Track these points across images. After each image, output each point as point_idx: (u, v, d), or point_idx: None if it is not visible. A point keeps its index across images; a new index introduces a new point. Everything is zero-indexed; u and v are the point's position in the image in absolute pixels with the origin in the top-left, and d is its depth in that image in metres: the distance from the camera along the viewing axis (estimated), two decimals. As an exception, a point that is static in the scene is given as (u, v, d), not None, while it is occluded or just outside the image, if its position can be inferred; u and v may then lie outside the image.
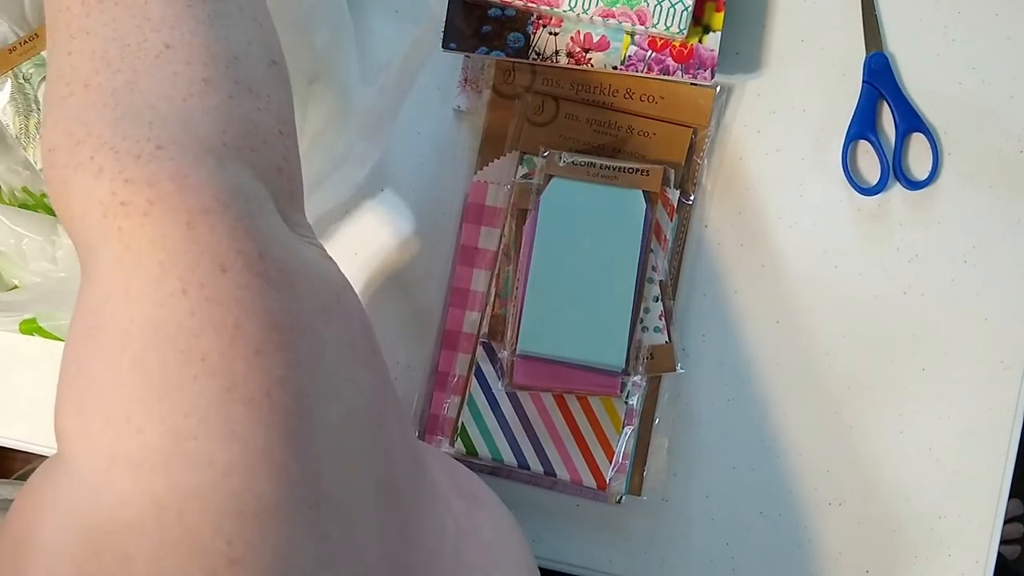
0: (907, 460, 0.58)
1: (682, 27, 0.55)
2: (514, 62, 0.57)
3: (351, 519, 0.28)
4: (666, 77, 0.57)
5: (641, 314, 0.56)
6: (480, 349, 0.56)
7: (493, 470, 0.57)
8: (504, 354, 0.56)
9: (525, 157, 0.57)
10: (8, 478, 0.69)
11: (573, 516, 0.58)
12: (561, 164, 0.55)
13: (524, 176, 0.57)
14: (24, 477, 0.69)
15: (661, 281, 0.56)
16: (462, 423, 0.56)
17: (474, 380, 0.56)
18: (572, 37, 0.57)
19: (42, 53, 0.56)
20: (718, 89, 0.58)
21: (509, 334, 0.55)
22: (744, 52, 0.59)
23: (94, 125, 0.29)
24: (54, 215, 0.58)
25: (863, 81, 0.58)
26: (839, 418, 0.58)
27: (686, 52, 0.56)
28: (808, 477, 0.58)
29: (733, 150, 0.59)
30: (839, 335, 0.58)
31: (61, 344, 0.57)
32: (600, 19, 0.55)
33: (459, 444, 0.56)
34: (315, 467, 0.27)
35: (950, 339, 0.58)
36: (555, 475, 0.55)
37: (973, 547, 0.58)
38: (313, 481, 0.27)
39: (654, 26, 0.55)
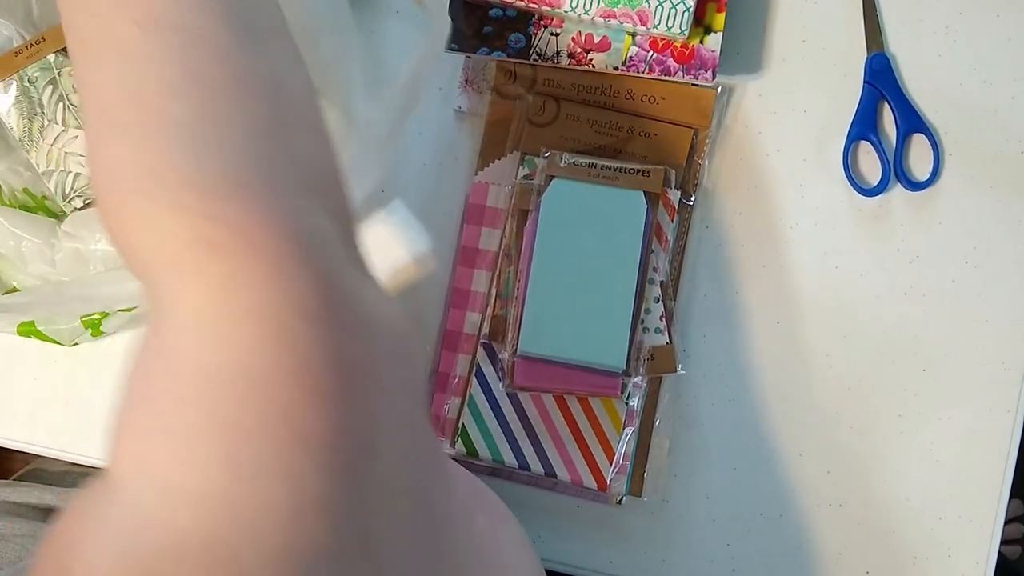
0: (907, 461, 0.58)
1: (683, 28, 0.55)
2: (515, 63, 0.57)
3: (393, 566, 0.28)
4: (667, 78, 0.57)
5: (642, 315, 0.56)
6: (481, 350, 0.56)
7: (494, 471, 0.57)
8: (505, 355, 0.56)
9: (526, 158, 0.57)
10: (8, 478, 0.69)
11: (574, 517, 0.58)
12: (562, 165, 0.55)
13: (525, 177, 0.57)
14: (24, 478, 0.69)
15: (662, 282, 0.56)
16: (463, 424, 0.56)
17: (475, 381, 0.56)
18: (573, 38, 0.57)
19: (48, 57, 0.56)
20: (719, 90, 0.58)
21: (510, 335, 0.55)
22: (745, 53, 0.59)
23: (169, 155, 0.28)
24: (54, 217, 0.57)
25: (864, 82, 0.58)
26: (840, 419, 0.58)
27: (687, 53, 0.56)
28: (808, 478, 0.58)
29: (734, 151, 0.59)
30: (840, 336, 0.58)
31: (58, 347, 0.58)
32: (601, 20, 0.55)
33: (460, 445, 0.56)
34: (367, 518, 0.27)
35: (951, 340, 0.58)
36: (556, 476, 0.55)
37: (973, 548, 0.58)
38: (364, 533, 0.27)
39: (655, 27, 0.55)
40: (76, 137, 0.57)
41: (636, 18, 0.55)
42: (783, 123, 0.59)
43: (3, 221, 0.54)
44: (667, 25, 0.55)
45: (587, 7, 0.55)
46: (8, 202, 0.57)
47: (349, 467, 0.26)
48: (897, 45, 0.59)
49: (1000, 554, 0.58)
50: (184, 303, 0.27)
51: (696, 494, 0.58)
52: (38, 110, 0.57)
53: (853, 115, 0.58)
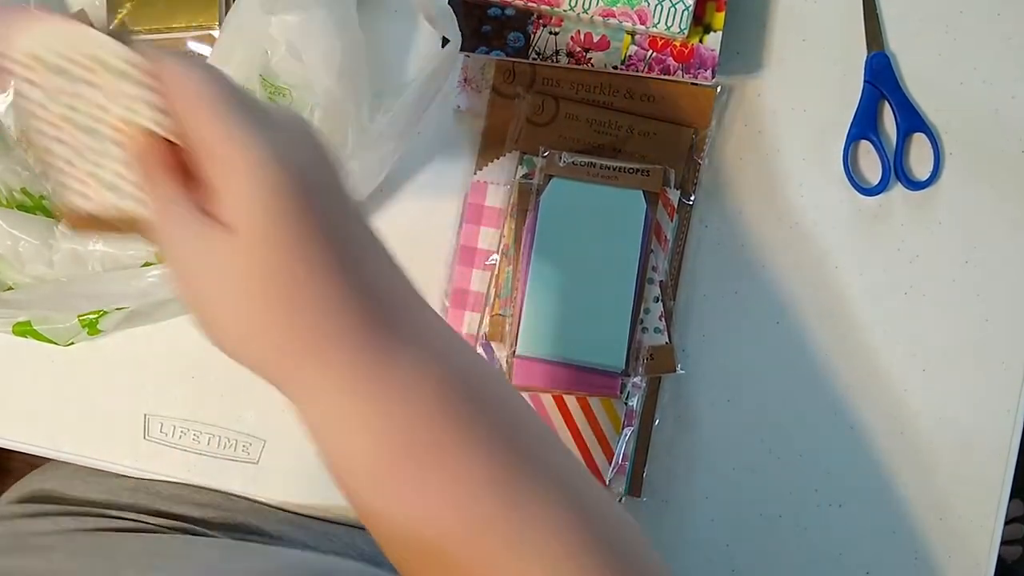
0: (907, 460, 0.58)
1: (683, 27, 0.55)
2: (514, 62, 0.57)
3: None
4: (667, 77, 0.56)
5: (641, 315, 0.56)
6: (480, 350, 0.56)
7: (493, 471, 0.57)
8: (503, 355, 0.56)
9: (525, 157, 0.57)
10: (7, 478, 0.69)
11: (573, 517, 0.58)
12: (561, 164, 0.55)
13: (524, 176, 0.56)
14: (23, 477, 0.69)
15: (661, 281, 0.56)
16: (462, 424, 0.56)
17: (474, 381, 0.56)
18: (572, 37, 0.57)
19: None
20: (719, 89, 0.58)
21: (508, 335, 0.55)
22: (745, 52, 0.59)
23: None
24: (51, 217, 0.57)
25: (864, 81, 0.58)
26: (839, 418, 0.58)
27: (687, 52, 0.56)
28: (808, 478, 0.58)
29: (734, 150, 0.59)
30: (840, 336, 0.58)
31: (55, 347, 0.58)
32: (600, 19, 0.55)
33: (459, 445, 0.56)
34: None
35: (951, 340, 0.58)
36: (555, 476, 0.55)
37: (973, 548, 0.57)
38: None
39: (655, 26, 0.55)
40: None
41: (635, 17, 0.55)
42: (783, 123, 0.59)
43: (0, 222, 0.54)
44: (666, 24, 0.55)
45: (586, 6, 0.55)
46: (6, 202, 0.56)
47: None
48: (897, 44, 0.59)
49: (1000, 555, 0.58)
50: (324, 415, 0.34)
51: (695, 494, 0.58)
52: (36, 109, 0.56)
53: (853, 114, 0.58)
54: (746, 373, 0.58)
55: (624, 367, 0.54)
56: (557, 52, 0.57)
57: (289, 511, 0.59)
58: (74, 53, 0.39)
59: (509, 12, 0.57)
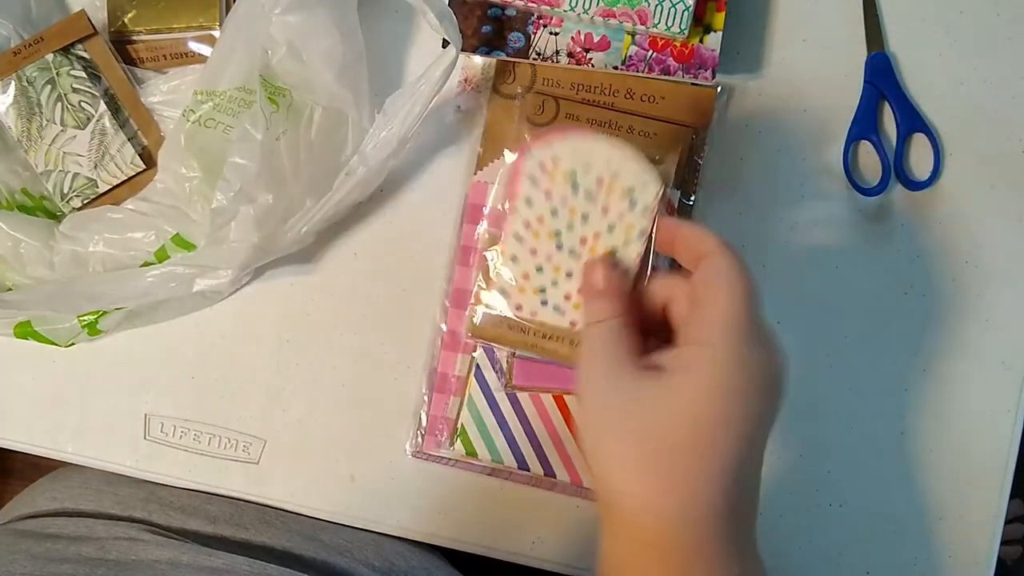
0: (907, 460, 0.58)
1: (683, 27, 0.55)
2: (514, 62, 0.57)
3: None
4: (667, 77, 0.56)
5: (641, 315, 0.56)
6: (480, 350, 0.56)
7: (493, 471, 0.57)
8: (504, 354, 0.56)
9: (525, 157, 0.57)
10: (8, 478, 0.68)
11: (573, 517, 0.58)
12: (561, 165, 0.55)
13: (524, 176, 0.56)
14: (23, 477, 0.69)
15: (661, 282, 0.56)
16: (461, 424, 0.56)
17: (473, 381, 0.56)
18: (573, 37, 0.57)
19: (47, 57, 0.56)
20: (719, 89, 0.58)
21: (509, 335, 0.55)
22: (745, 52, 0.59)
23: None
24: (52, 217, 0.57)
25: (864, 81, 0.58)
26: (839, 418, 0.58)
27: (687, 52, 0.56)
28: (808, 478, 0.58)
29: (734, 150, 0.59)
30: (840, 336, 0.58)
31: (55, 348, 0.58)
32: (601, 19, 0.55)
33: (459, 445, 0.56)
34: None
35: (951, 340, 0.58)
36: (555, 476, 0.55)
37: (974, 548, 0.58)
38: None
39: (655, 26, 0.55)
40: (75, 137, 0.57)
41: (636, 17, 0.55)
42: (783, 123, 0.59)
43: (1, 224, 0.54)
44: (667, 24, 0.55)
45: (586, 6, 0.55)
46: (7, 203, 0.56)
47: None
48: (897, 44, 0.59)
49: (1000, 555, 0.58)
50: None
51: (696, 494, 0.58)
52: (36, 110, 0.56)
53: (853, 115, 0.58)
54: (746, 373, 0.58)
55: (624, 367, 0.54)
56: (557, 52, 0.57)
57: (290, 511, 0.59)
58: (601, 168, 0.44)
59: (509, 12, 0.57)
